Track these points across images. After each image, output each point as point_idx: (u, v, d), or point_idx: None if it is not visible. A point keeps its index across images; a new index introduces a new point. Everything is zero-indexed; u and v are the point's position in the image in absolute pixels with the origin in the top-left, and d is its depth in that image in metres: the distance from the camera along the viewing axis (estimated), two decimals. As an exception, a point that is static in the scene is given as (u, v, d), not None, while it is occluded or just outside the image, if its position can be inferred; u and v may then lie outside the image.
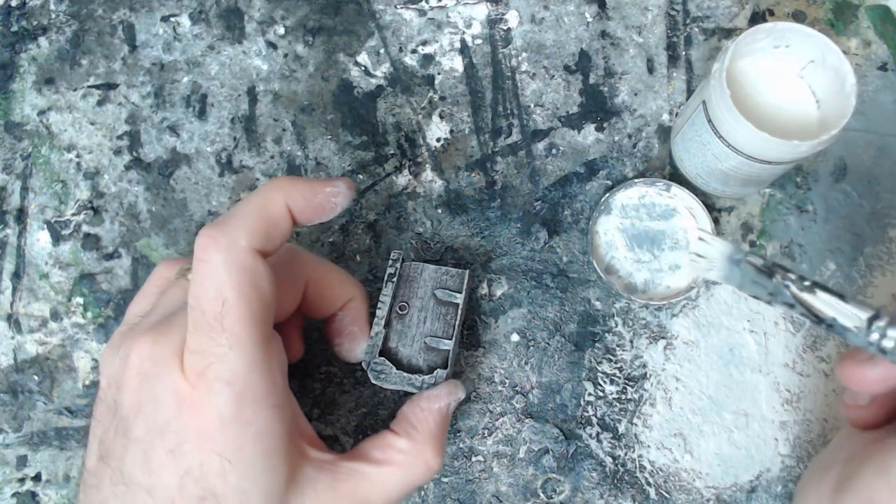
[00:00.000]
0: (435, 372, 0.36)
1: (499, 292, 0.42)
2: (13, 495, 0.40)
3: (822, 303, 0.27)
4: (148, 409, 0.29)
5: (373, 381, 0.36)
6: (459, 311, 0.37)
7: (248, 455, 0.28)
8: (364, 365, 0.36)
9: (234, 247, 0.28)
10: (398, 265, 0.37)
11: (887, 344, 0.25)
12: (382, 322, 0.36)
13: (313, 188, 0.31)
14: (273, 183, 0.31)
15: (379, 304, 0.37)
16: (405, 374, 0.36)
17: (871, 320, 0.26)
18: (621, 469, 0.40)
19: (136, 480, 0.29)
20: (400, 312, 0.37)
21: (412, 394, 0.35)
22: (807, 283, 0.27)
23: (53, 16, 0.46)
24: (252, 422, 0.28)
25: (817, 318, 0.27)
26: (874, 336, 0.25)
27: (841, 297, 0.27)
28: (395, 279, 0.37)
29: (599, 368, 0.41)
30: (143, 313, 0.34)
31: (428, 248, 0.42)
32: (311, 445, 0.32)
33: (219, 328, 0.28)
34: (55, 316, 0.42)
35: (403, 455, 0.33)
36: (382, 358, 0.36)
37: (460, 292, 0.37)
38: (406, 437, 0.33)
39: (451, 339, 0.37)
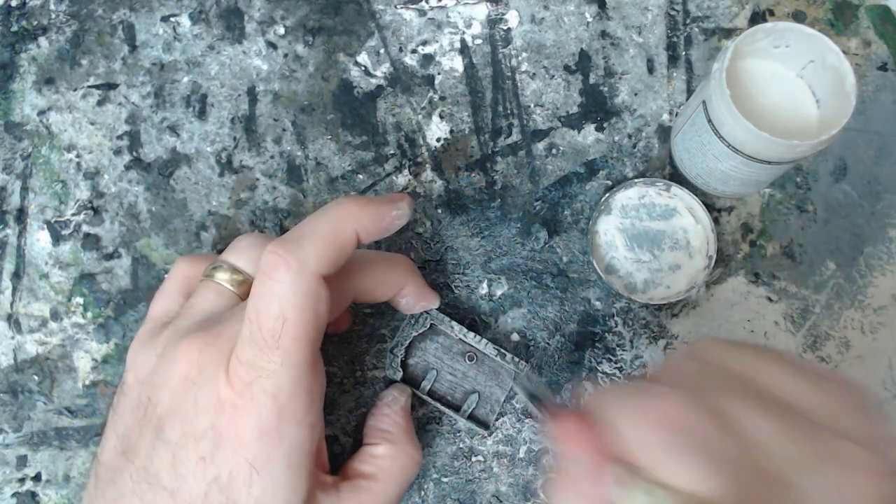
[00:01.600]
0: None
1: (499, 292, 0.42)
2: (13, 495, 0.40)
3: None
4: (187, 415, 0.29)
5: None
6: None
7: (276, 468, 0.29)
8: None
9: (303, 271, 0.29)
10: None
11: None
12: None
13: (381, 212, 0.32)
14: (344, 207, 0.31)
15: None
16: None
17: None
18: (621, 469, 0.40)
19: (161, 482, 0.29)
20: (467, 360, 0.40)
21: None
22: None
23: (53, 16, 0.46)
24: (287, 437, 0.29)
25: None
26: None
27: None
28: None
29: (599, 368, 0.41)
30: (170, 312, 0.35)
31: (428, 248, 0.42)
32: (322, 470, 0.33)
33: (273, 345, 0.28)
34: (55, 316, 0.42)
35: (389, 459, 0.35)
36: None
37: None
38: (385, 443, 0.36)
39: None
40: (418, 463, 0.36)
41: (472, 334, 0.39)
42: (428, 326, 0.39)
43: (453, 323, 0.39)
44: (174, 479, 0.29)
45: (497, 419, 0.40)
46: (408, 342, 0.39)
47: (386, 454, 0.35)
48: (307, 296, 0.29)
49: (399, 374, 0.39)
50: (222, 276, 0.34)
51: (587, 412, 0.25)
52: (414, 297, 0.37)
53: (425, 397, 0.39)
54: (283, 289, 0.28)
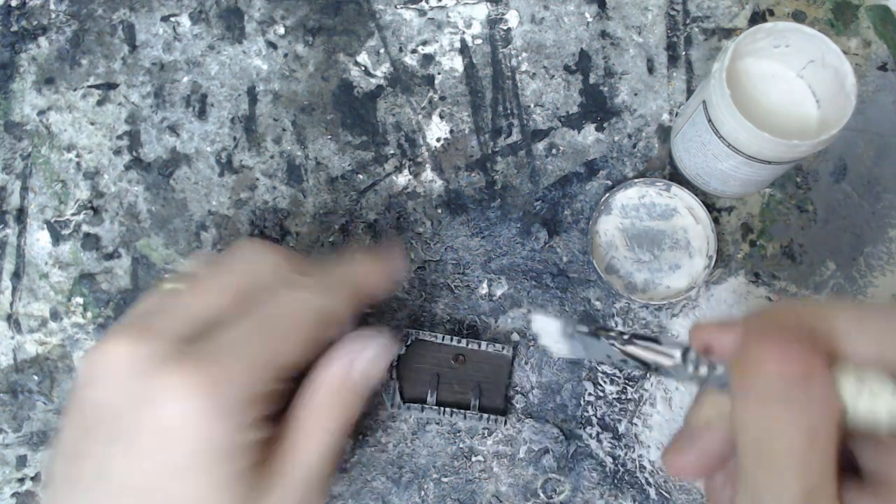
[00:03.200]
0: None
1: (499, 292, 0.42)
2: (13, 495, 0.40)
3: (642, 350, 0.28)
4: (118, 417, 0.28)
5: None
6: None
7: (208, 482, 0.27)
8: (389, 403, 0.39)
9: (326, 311, 0.31)
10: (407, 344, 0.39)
11: (702, 371, 0.26)
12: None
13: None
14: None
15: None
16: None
17: (683, 356, 0.27)
18: (621, 469, 0.40)
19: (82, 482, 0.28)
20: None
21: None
22: (626, 337, 0.29)
23: (53, 16, 0.46)
24: (226, 448, 0.27)
25: (645, 364, 0.28)
26: (690, 369, 0.27)
27: (655, 340, 0.28)
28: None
29: (599, 368, 0.41)
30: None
31: (428, 248, 0.42)
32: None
33: (263, 344, 0.29)
34: (55, 316, 0.42)
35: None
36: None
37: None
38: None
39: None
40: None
41: (455, 338, 0.39)
42: (409, 342, 0.39)
43: (437, 334, 0.39)
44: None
45: (508, 403, 0.40)
46: (396, 360, 0.39)
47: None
48: (320, 326, 0.30)
49: (398, 396, 0.39)
50: (168, 277, 0.34)
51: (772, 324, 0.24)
52: (381, 281, 0.35)
53: (436, 408, 0.39)
54: (307, 309, 0.30)
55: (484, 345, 0.39)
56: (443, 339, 0.39)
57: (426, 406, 0.39)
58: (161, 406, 0.27)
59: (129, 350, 0.28)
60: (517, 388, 0.41)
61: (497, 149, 0.44)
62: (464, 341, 0.39)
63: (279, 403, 0.29)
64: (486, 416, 0.39)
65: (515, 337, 0.41)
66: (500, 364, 0.40)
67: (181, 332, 0.28)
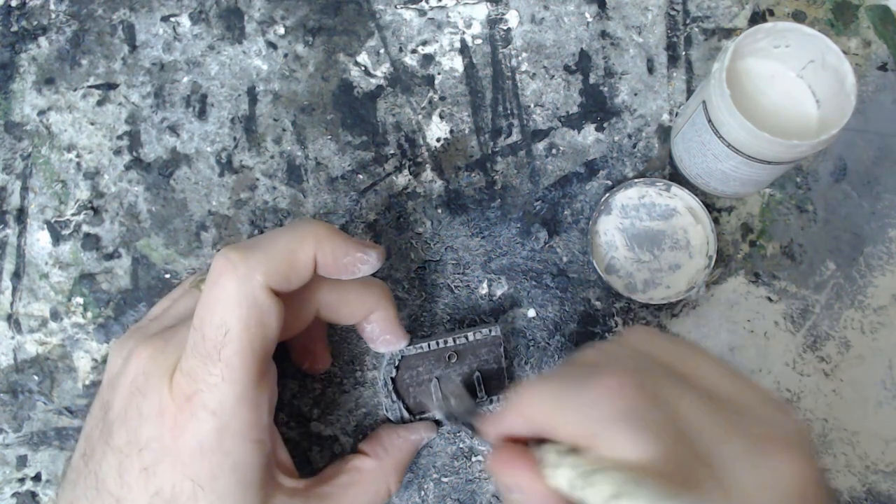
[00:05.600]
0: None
1: (499, 292, 0.42)
2: (13, 495, 0.40)
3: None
4: (132, 423, 0.29)
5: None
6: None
7: (222, 485, 0.28)
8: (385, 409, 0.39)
9: (249, 280, 0.28)
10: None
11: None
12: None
13: (345, 247, 0.31)
14: (309, 227, 0.30)
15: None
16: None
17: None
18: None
19: (108, 488, 0.29)
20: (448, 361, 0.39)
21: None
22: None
23: (53, 16, 0.46)
24: (231, 453, 0.28)
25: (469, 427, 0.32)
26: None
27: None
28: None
29: (599, 368, 0.41)
30: (156, 317, 0.35)
31: (428, 248, 0.42)
32: (286, 474, 0.32)
33: (215, 357, 0.27)
34: (55, 316, 0.42)
35: (369, 476, 0.34)
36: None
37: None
38: (374, 459, 0.35)
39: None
40: (390, 496, 0.35)
41: (441, 340, 0.38)
42: (397, 363, 0.38)
43: (422, 344, 0.38)
44: (119, 487, 0.28)
45: (510, 384, 0.40)
46: (391, 383, 0.38)
47: (369, 469, 0.35)
48: (252, 307, 0.27)
49: (404, 413, 0.39)
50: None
51: (523, 411, 0.26)
52: (381, 327, 0.35)
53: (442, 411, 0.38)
54: (226, 297, 0.27)
55: (471, 335, 0.39)
56: (429, 347, 0.38)
57: (435, 409, 0.38)
58: (163, 427, 0.28)
59: (145, 363, 0.29)
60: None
61: (497, 149, 0.44)
62: (450, 339, 0.38)
63: (266, 395, 0.30)
64: (494, 397, 0.39)
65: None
66: (494, 345, 0.39)
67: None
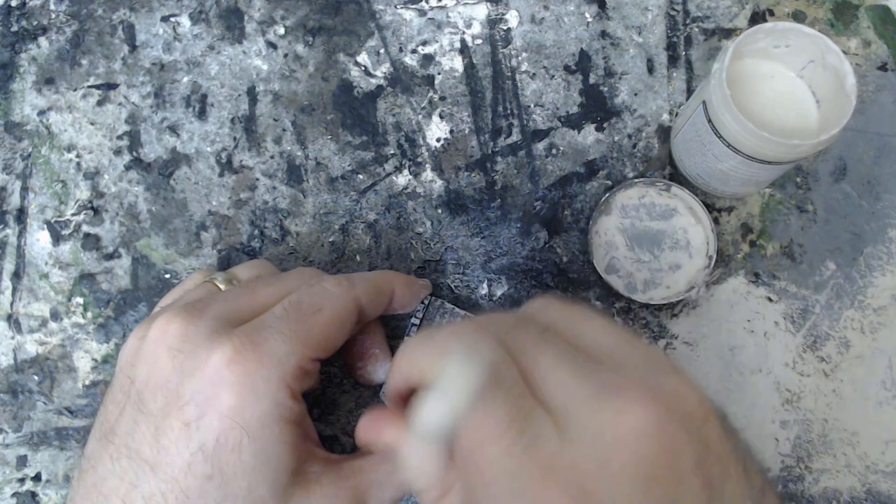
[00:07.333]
0: None
1: (499, 292, 0.42)
2: (13, 495, 0.40)
3: None
4: (171, 384, 0.29)
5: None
6: None
7: (269, 434, 0.29)
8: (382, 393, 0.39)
9: (350, 293, 0.34)
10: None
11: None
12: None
13: (412, 282, 0.39)
14: (389, 272, 0.39)
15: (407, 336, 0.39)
16: None
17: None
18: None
19: (143, 455, 0.28)
20: None
21: None
22: None
23: (53, 16, 0.46)
24: (283, 405, 0.29)
25: None
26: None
27: None
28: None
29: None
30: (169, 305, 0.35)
31: (428, 248, 0.42)
32: (316, 446, 0.33)
33: (302, 319, 0.31)
34: (55, 316, 0.42)
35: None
36: None
37: None
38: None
39: None
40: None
41: (462, 311, 0.40)
42: (418, 323, 0.39)
43: (446, 304, 0.40)
44: (157, 452, 0.28)
45: None
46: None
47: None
48: (345, 309, 0.33)
49: None
50: (220, 278, 0.35)
51: (399, 368, 0.28)
52: (406, 290, 0.38)
53: None
54: (332, 293, 0.33)
55: (463, 312, 0.39)
56: (460, 311, 0.40)
57: None
58: (209, 379, 0.29)
59: (181, 327, 0.30)
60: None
61: (497, 149, 0.44)
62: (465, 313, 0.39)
63: (309, 382, 0.32)
64: None
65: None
66: None
67: (231, 317, 0.31)
